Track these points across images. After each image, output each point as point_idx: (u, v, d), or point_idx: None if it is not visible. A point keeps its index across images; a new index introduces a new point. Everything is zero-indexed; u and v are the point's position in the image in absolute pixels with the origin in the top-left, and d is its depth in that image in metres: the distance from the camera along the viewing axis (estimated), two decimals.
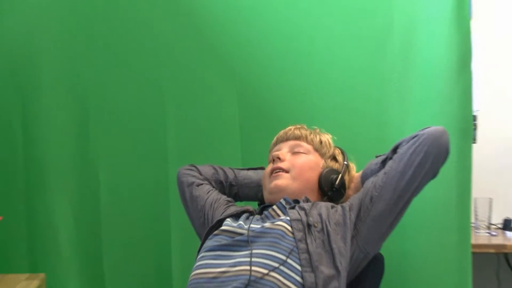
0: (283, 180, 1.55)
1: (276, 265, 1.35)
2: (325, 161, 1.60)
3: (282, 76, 1.99)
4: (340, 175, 1.54)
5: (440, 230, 1.75)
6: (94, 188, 2.01)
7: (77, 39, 2.02)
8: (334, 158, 1.62)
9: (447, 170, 1.55)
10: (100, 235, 2.02)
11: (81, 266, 2.01)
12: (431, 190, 1.52)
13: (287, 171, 1.55)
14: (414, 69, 1.81)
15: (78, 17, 2.02)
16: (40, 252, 1.99)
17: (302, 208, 1.46)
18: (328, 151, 1.62)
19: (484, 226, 2.49)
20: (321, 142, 1.61)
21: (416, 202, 1.49)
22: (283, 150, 1.59)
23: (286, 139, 1.63)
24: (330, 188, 1.55)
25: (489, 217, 2.49)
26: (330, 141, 1.64)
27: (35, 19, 1.99)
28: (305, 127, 1.65)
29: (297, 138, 1.62)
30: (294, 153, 1.58)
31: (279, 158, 1.56)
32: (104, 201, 2.02)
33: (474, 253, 1.79)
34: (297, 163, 1.56)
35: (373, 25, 1.93)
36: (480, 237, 2.45)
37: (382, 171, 1.48)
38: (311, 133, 1.63)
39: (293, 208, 1.47)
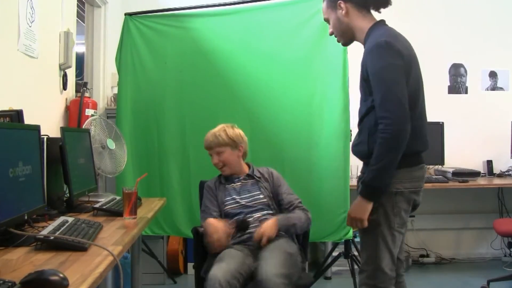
0: None
1: None
2: None
3: (267, 109, 3.15)
4: None
5: (337, 179, 3.05)
6: (187, 158, 3.24)
7: (181, 89, 3.24)
8: None
9: (340, 153, 2.90)
10: (190, 179, 3.22)
11: (182, 194, 3.24)
12: (333, 162, 2.95)
13: None
14: (325, 110, 3.05)
15: (180, 79, 3.24)
16: (164, 189, 3.24)
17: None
18: None
19: (353, 177, 3.69)
20: None
21: (326, 167, 2.84)
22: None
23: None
24: None
25: (357, 173, 3.49)
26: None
27: (160, 81, 3.27)
28: None
29: None
30: None
31: None
32: (192, 164, 3.23)
33: (350, 189, 3.06)
34: None
35: (305, 90, 3.12)
36: (352, 181, 3.41)
37: None
38: None
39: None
